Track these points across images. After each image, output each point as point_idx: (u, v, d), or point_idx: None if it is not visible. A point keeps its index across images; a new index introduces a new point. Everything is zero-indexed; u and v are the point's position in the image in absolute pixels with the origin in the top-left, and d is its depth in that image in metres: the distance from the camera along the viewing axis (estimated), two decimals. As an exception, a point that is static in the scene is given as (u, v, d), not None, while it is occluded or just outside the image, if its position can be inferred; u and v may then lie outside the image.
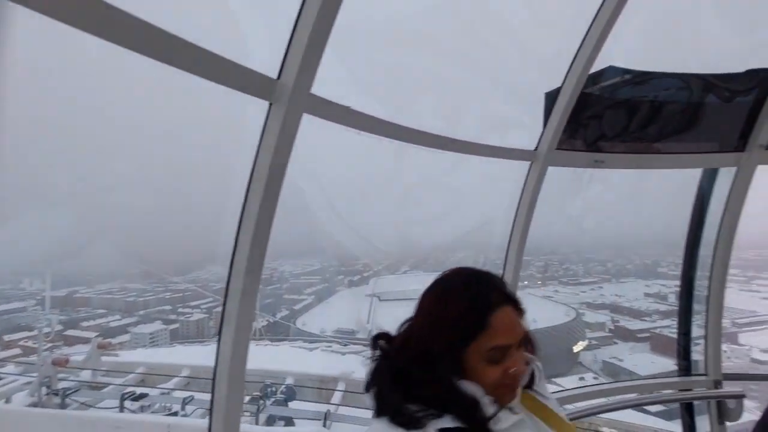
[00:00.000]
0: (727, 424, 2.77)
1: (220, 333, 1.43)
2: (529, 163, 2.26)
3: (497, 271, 2.65)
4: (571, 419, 2.75)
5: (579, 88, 2.05)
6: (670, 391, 2.97)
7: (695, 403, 2.90)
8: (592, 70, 2.06)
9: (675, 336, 3.07)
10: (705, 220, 2.77)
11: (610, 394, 2.85)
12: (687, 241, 2.88)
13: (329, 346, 10.21)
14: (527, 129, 2.33)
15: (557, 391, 2.73)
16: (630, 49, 2.34)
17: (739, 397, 2.66)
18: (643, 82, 2.25)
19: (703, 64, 2.37)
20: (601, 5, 1.92)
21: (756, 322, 11.64)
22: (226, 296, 1.42)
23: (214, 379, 1.44)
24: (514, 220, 2.36)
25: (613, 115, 2.29)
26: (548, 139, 2.17)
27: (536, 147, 2.24)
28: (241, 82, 1.18)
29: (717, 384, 2.78)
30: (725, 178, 2.59)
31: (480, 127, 2.54)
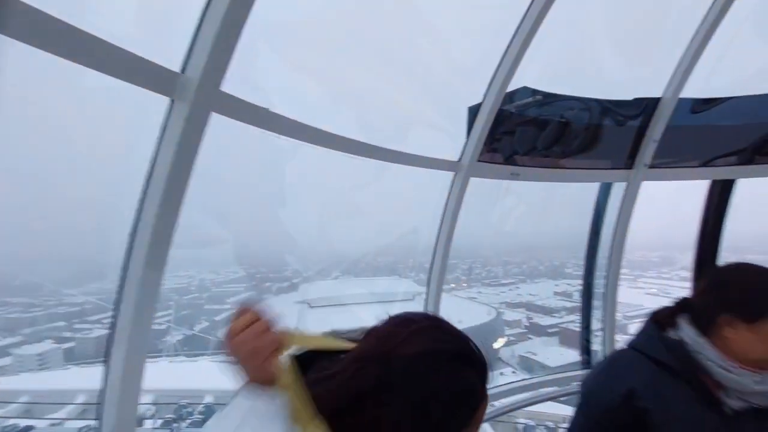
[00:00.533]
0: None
1: (108, 352, 1.26)
2: (453, 173, 2.34)
3: (424, 274, 2.70)
4: (497, 415, 2.86)
5: (497, 106, 2.17)
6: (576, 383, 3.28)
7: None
8: (508, 89, 2.19)
9: (579, 330, 3.43)
10: (601, 227, 3.12)
11: (530, 389, 3.06)
12: (587, 245, 3.23)
13: (255, 358, 9.65)
14: (452, 138, 2.42)
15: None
16: (541, 72, 2.55)
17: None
18: (551, 103, 2.46)
19: (602, 91, 2.67)
20: (516, 30, 2.06)
21: (642, 314, 13.48)
22: (116, 309, 1.25)
23: (101, 405, 1.26)
24: (440, 227, 2.43)
25: (526, 132, 2.48)
26: (470, 152, 2.27)
27: (460, 158, 2.32)
28: (136, 75, 1.03)
29: (611, 373, 3.12)
30: (618, 191, 2.94)
31: (407, 135, 2.57)
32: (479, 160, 2.34)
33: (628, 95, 2.64)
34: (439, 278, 2.45)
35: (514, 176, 2.51)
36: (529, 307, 14.73)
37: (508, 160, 2.53)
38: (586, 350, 3.30)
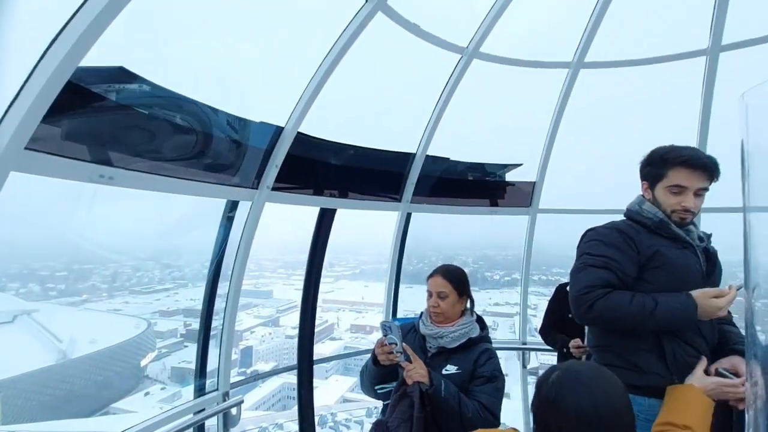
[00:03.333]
0: (231, 429, 3.09)
1: None
2: (-29, 161, 1.45)
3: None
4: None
5: (64, 77, 1.52)
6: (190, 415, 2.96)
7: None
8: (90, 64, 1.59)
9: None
10: (228, 241, 3.02)
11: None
12: (217, 255, 3.04)
13: None
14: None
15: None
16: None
17: (239, 404, 3.03)
18: (163, 99, 2.06)
19: (236, 106, 2.54)
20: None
21: (291, 306, 15.48)
22: None
23: None
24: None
25: (125, 125, 1.95)
26: (10, 134, 1.48)
27: (-12, 140, 1.47)
28: None
29: (225, 396, 3.03)
30: (244, 208, 2.92)
31: None
32: (33, 149, 1.58)
33: (258, 118, 2.65)
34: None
35: (104, 179, 1.91)
36: (188, 312, 13.75)
37: (98, 158, 1.90)
38: (202, 377, 3.08)
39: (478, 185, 4.20)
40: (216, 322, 3.31)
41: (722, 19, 3.11)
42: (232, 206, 2.93)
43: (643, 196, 1.67)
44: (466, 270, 2.03)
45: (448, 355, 1.78)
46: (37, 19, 1.69)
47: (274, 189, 2.90)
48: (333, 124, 3.09)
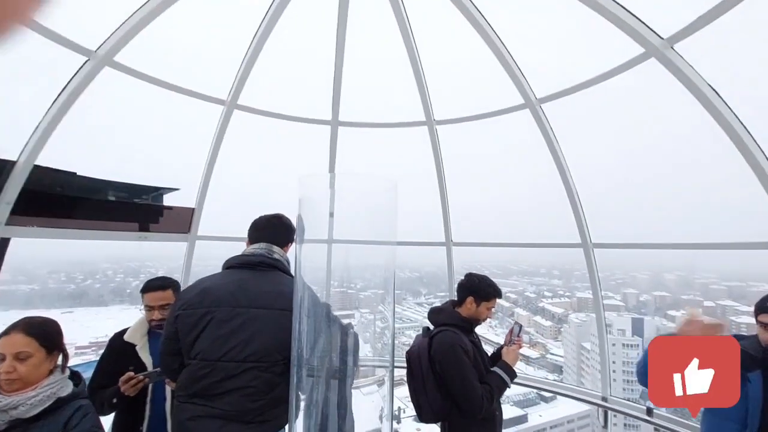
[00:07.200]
0: None
1: None
2: None
3: None
4: None
5: None
6: None
7: None
8: None
9: None
10: None
11: None
12: None
13: None
14: None
15: None
16: None
17: None
18: None
19: None
20: None
21: None
22: None
23: None
24: None
25: None
26: None
27: None
28: None
29: None
30: None
31: None
32: None
33: None
34: None
35: None
36: None
37: None
38: None
39: (123, 207, 3.70)
40: None
41: (338, 100, 4.19)
42: None
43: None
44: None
45: (26, 427, 1.48)
46: None
47: None
48: None
